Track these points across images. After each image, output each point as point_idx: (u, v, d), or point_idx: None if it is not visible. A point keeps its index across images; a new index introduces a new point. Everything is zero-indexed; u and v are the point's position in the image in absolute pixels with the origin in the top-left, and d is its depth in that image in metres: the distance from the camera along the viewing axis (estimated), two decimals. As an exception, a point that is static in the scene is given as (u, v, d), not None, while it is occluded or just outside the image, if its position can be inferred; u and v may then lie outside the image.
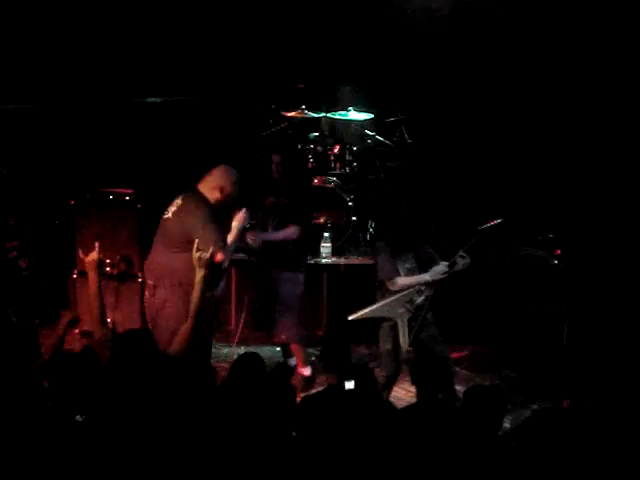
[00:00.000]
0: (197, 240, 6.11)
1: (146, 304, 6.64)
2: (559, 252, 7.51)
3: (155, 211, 8.54)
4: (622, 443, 4.97)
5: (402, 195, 8.89)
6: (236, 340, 8.14)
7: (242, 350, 8.01)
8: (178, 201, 6.55)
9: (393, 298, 6.80)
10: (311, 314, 8.52)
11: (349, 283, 8.52)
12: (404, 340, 6.80)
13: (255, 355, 5.37)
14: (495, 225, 6.87)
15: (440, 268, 6.80)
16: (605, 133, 8.93)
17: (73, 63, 9.09)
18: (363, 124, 9.48)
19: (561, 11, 8.94)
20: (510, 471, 4.66)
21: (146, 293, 6.62)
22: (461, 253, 6.77)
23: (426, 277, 6.81)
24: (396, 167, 9.49)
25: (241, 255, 8.85)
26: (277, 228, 7.64)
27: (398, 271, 6.84)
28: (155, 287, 6.48)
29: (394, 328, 6.83)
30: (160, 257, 6.50)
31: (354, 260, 8.76)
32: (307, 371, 7.70)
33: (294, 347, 7.66)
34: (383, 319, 6.87)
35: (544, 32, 9.04)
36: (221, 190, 6.46)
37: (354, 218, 8.91)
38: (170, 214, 6.54)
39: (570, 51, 8.99)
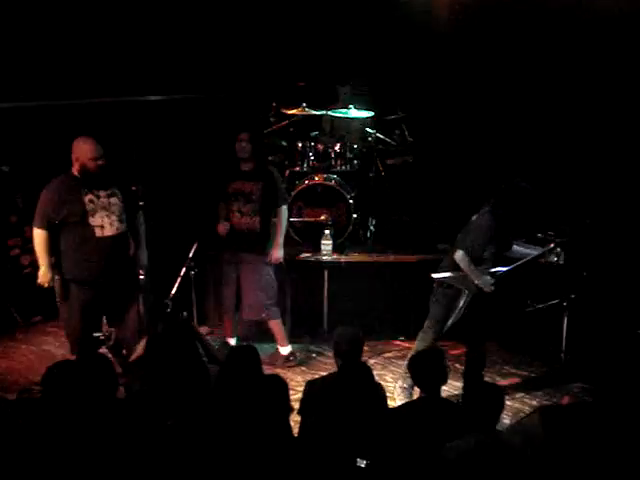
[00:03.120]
0: None
1: None
2: (560, 249, 7.51)
3: (158, 208, 8.60)
4: (622, 439, 4.99)
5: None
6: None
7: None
8: None
9: (478, 273, 6.84)
10: (312, 311, 8.56)
11: (350, 280, 8.54)
12: (458, 314, 6.92)
13: (250, 348, 5.41)
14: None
15: (488, 280, 6.84)
16: (605, 130, 8.95)
17: (75, 61, 9.10)
18: (364, 122, 9.50)
19: (561, 10, 8.95)
20: (510, 467, 4.68)
21: None
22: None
23: (478, 278, 6.84)
24: (396, 165, 9.51)
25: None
26: (257, 213, 7.64)
27: (477, 248, 6.84)
28: None
29: (455, 299, 6.93)
30: None
31: (355, 257, 8.78)
32: (286, 350, 7.90)
33: (272, 324, 7.87)
34: (450, 288, 6.95)
35: (544, 30, 9.06)
36: (77, 160, 6.75)
37: (355, 215, 8.92)
38: None
39: (570, 48, 9.00)
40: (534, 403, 7.22)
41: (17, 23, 8.83)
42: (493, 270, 6.87)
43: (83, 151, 6.71)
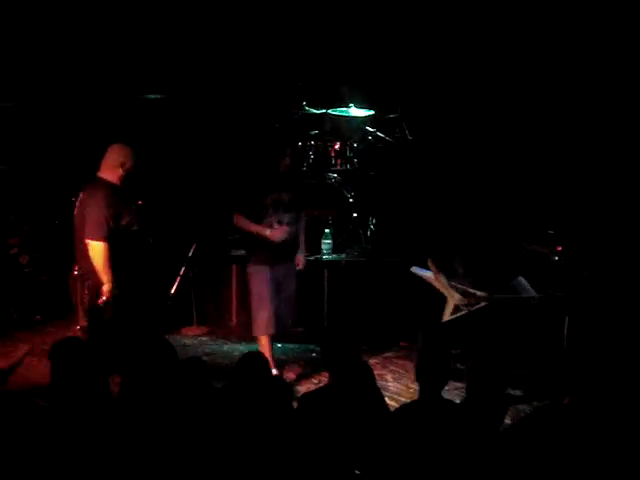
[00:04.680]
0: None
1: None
2: (560, 248, 7.50)
3: (157, 207, 8.58)
4: (622, 440, 4.97)
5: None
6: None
7: (242, 346, 8.05)
8: (82, 196, 6.70)
9: (461, 286, 6.96)
10: (312, 310, 8.54)
11: (350, 280, 8.53)
12: (447, 312, 7.01)
13: (259, 354, 5.39)
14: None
15: (459, 298, 6.94)
16: (605, 128, 8.93)
17: (74, 59, 9.09)
18: (364, 120, 9.48)
19: (562, 9, 8.94)
20: (511, 467, 4.67)
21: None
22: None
23: (445, 288, 6.94)
24: (397, 164, 9.49)
25: (242, 252, 8.91)
26: (295, 221, 7.48)
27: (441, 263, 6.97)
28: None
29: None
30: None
31: (355, 257, 8.77)
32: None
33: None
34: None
35: (544, 29, 9.04)
36: (122, 166, 6.61)
37: (355, 215, 8.91)
38: (76, 210, 6.72)
39: (570, 46, 8.99)
40: (534, 402, 7.21)
41: (16, 22, 8.83)
42: (472, 291, 6.93)
43: (129, 157, 6.64)
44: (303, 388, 7.23)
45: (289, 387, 5.03)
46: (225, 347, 8.32)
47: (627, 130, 8.87)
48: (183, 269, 8.66)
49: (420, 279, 7.32)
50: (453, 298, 6.94)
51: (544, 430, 4.88)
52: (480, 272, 7.00)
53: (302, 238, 7.63)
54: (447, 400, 5.46)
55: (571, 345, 7.73)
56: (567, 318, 7.69)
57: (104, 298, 6.56)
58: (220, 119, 9.79)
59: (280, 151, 7.29)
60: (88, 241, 6.49)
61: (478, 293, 6.92)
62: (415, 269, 7.14)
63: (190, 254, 8.72)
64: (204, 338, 8.56)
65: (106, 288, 6.55)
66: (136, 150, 6.91)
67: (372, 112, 9.40)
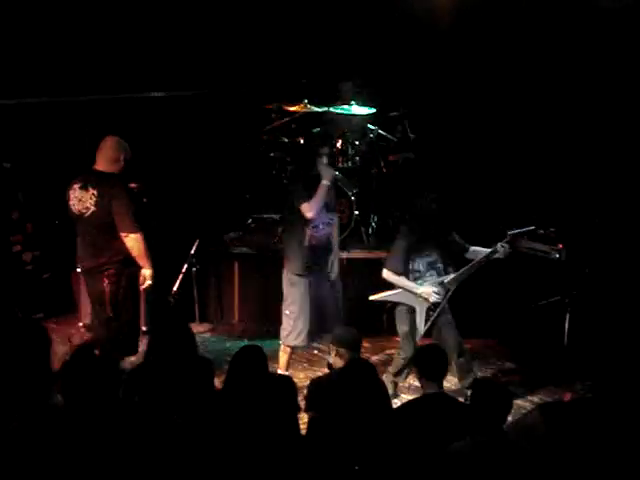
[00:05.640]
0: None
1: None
2: (561, 246, 7.51)
3: (160, 204, 8.61)
4: (624, 436, 4.99)
5: (413, 188, 8.92)
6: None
7: (244, 343, 8.04)
8: (93, 192, 6.71)
9: (413, 285, 6.91)
10: (314, 308, 8.54)
11: (351, 277, 8.54)
12: (421, 325, 6.95)
13: (257, 348, 5.41)
14: (526, 232, 6.98)
15: (431, 290, 6.87)
16: (606, 127, 8.94)
17: (77, 57, 9.10)
18: (365, 118, 9.49)
19: (562, 8, 8.95)
20: (514, 465, 4.68)
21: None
22: (502, 243, 6.85)
23: (417, 289, 6.90)
24: (398, 161, 9.50)
25: (244, 249, 8.93)
26: (332, 222, 7.35)
27: (399, 265, 6.91)
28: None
29: (411, 312, 6.98)
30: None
31: (356, 254, 8.78)
32: None
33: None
34: (401, 303, 7.01)
35: (545, 27, 9.05)
36: (122, 157, 6.80)
37: (356, 212, 8.92)
38: (91, 206, 6.73)
39: (571, 45, 8.99)
40: (535, 400, 7.22)
41: (19, 20, 8.84)
42: (441, 279, 6.93)
43: (127, 148, 6.82)
44: (306, 387, 7.26)
45: (291, 381, 5.02)
46: (227, 344, 8.33)
47: (628, 129, 8.88)
48: (185, 266, 8.68)
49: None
50: (423, 300, 6.89)
51: (545, 428, 4.90)
52: (440, 261, 6.99)
53: (336, 239, 7.44)
54: (451, 397, 5.49)
55: (572, 342, 7.75)
56: (568, 315, 7.72)
57: (149, 282, 6.82)
58: (222, 116, 9.80)
59: (316, 152, 7.20)
60: (126, 234, 6.67)
61: (445, 279, 6.92)
62: (374, 297, 7.05)
63: (192, 251, 8.73)
64: (206, 335, 8.57)
65: (149, 273, 6.80)
66: (138, 148, 7.01)
67: (374, 110, 9.41)
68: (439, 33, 9.42)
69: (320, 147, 7.23)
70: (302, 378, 7.39)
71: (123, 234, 6.67)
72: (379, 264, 8.64)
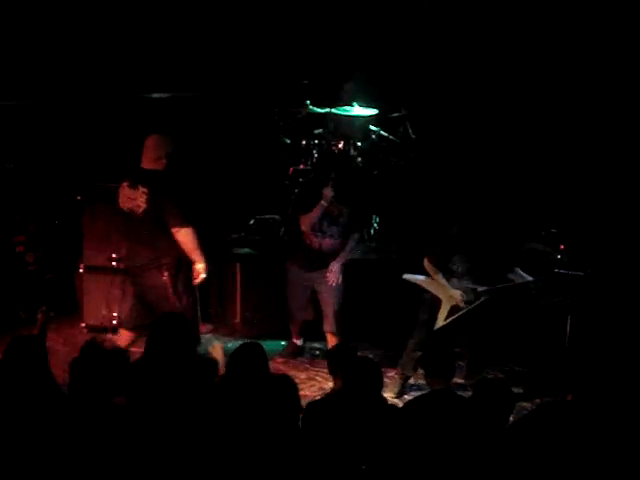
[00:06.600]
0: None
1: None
2: (563, 247, 7.52)
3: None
4: (625, 436, 4.99)
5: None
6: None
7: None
8: (144, 190, 6.84)
9: (451, 285, 6.98)
10: (315, 309, 8.56)
11: (352, 278, 8.54)
12: (440, 318, 7.02)
13: (256, 345, 5.41)
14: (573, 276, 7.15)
15: (460, 294, 6.93)
16: (607, 128, 8.95)
17: (79, 58, 9.12)
18: (367, 120, 9.50)
19: (563, 8, 8.96)
20: (516, 464, 4.69)
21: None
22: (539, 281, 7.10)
23: (450, 290, 6.97)
24: (400, 163, 9.51)
25: (246, 250, 8.94)
26: (341, 236, 7.82)
27: (439, 260, 7.00)
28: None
29: (436, 302, 7.04)
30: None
31: (359, 255, 8.78)
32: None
33: None
34: (427, 292, 7.10)
35: (546, 28, 9.06)
36: (166, 155, 6.93)
37: (359, 213, 8.92)
38: (143, 204, 6.86)
39: (571, 45, 9.00)
40: (537, 400, 7.22)
41: (21, 20, 8.86)
42: (473, 287, 6.97)
43: (171, 145, 6.98)
44: (307, 387, 7.28)
45: (291, 381, 5.02)
46: (229, 345, 8.32)
47: (629, 130, 8.88)
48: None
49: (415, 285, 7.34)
50: (451, 298, 6.94)
51: (547, 427, 4.91)
52: (482, 269, 7.03)
53: (346, 250, 7.86)
54: (458, 395, 5.50)
55: (574, 343, 7.75)
56: (569, 316, 7.71)
57: (203, 276, 6.97)
58: (224, 118, 9.82)
59: (327, 176, 7.76)
60: (178, 229, 6.81)
61: (479, 288, 6.94)
62: (407, 276, 7.17)
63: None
64: (208, 336, 8.57)
65: (202, 267, 6.96)
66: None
67: (376, 111, 9.42)
68: (441, 34, 9.43)
69: (331, 173, 7.76)
70: (303, 379, 7.41)
71: (175, 229, 6.81)
72: (380, 265, 8.71)
